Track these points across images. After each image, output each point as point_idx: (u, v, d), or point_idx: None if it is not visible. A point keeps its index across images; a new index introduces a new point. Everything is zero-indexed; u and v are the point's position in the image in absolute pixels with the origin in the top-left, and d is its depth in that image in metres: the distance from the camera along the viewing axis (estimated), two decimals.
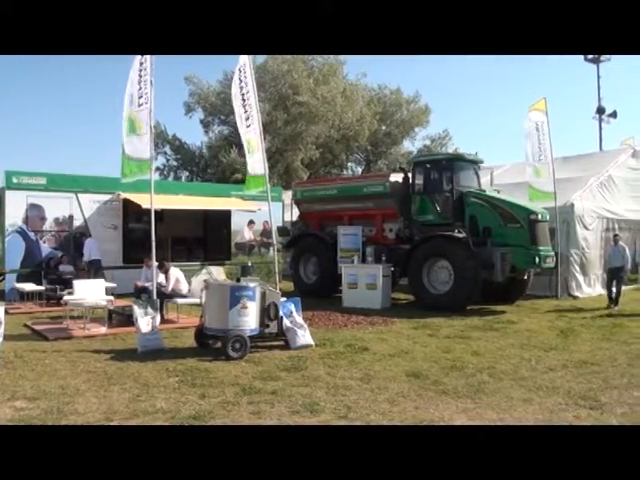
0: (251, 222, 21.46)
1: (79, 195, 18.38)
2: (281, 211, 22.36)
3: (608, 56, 41.68)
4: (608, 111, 42.74)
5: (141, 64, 11.31)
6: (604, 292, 17.54)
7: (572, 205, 18.37)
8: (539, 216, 15.60)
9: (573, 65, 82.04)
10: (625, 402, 7.33)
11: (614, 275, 16.27)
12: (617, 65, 75.56)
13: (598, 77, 42.66)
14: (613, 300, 16.04)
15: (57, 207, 18.05)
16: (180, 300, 13.54)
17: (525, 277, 16.56)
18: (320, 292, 18.01)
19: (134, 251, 18.27)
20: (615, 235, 17.13)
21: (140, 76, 11.30)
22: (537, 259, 15.18)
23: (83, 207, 18.46)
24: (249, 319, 10.01)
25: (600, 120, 42.66)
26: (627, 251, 16.45)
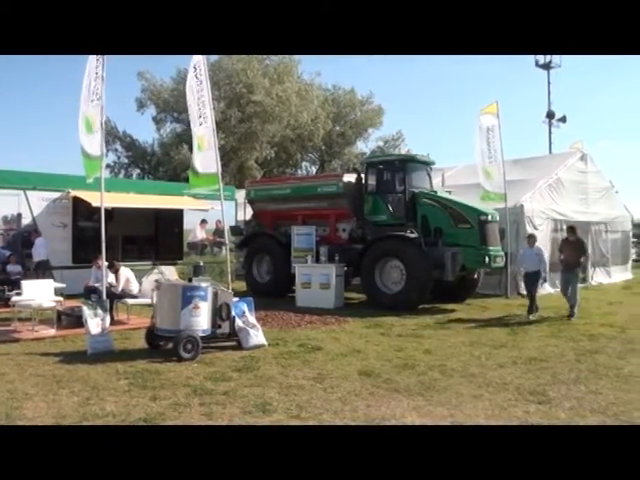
0: (203, 221, 21.20)
1: (28, 192, 17.75)
2: (234, 210, 22.17)
3: (558, 62, 42.68)
4: (558, 116, 43.66)
5: (97, 60, 11.10)
6: (553, 291, 17.93)
7: (522, 206, 18.77)
8: (489, 217, 15.94)
9: (524, 70, 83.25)
10: (573, 396, 7.52)
11: (531, 280, 14.53)
12: (567, 71, 77.10)
13: (548, 83, 43.81)
14: (535, 308, 14.53)
15: (5, 205, 17.40)
16: (131, 300, 13.34)
17: (475, 276, 16.94)
18: (274, 292, 17.94)
19: (84, 250, 17.73)
20: (530, 235, 15.38)
21: (96, 73, 11.13)
22: (487, 259, 15.51)
23: (32, 205, 17.83)
24: (201, 319, 9.94)
25: (550, 124, 43.71)
26: (544, 254, 14.97)
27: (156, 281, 11.28)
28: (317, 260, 16.80)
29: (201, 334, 9.87)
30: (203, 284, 10.17)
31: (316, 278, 16.26)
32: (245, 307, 10.97)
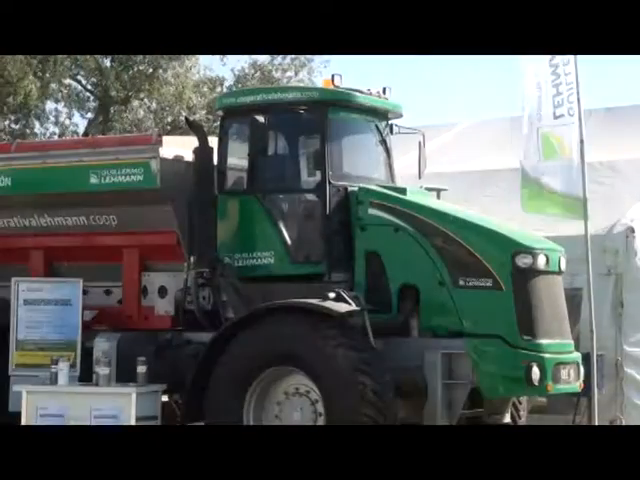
0: None
1: None
2: None
3: None
4: None
5: None
6: None
7: (630, 230, 9.40)
8: (540, 259, 7.88)
9: None
10: None
11: None
12: None
13: None
14: None
15: None
16: None
17: (506, 418, 8.48)
18: None
19: None
20: None
21: None
22: (536, 373, 7.55)
23: None
24: None
25: None
26: None
27: None
28: (86, 374, 8.22)
29: None
30: None
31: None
32: None
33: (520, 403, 8.50)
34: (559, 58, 8.57)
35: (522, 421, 8.59)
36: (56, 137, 23.71)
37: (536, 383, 7.23)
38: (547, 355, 7.36)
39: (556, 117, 8.64)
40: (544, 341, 7.43)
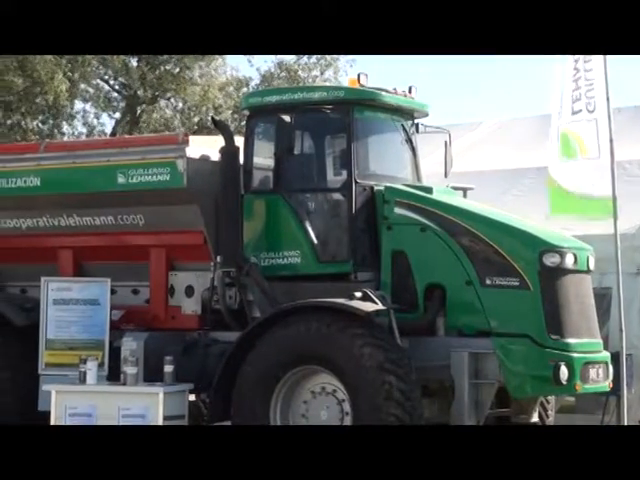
0: None
1: None
2: None
3: None
4: None
5: None
6: None
7: None
8: (568, 258, 7.81)
9: None
10: None
11: None
12: None
13: None
14: None
15: None
16: None
17: (533, 417, 8.21)
18: None
19: None
20: None
21: None
22: (562, 373, 7.44)
23: None
24: None
25: None
26: None
27: None
28: (114, 373, 8.01)
29: None
30: None
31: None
32: None
33: (548, 402, 8.39)
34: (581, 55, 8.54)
35: (550, 421, 8.51)
36: (84, 137, 23.74)
37: (564, 382, 7.15)
38: (575, 354, 7.29)
39: (574, 112, 8.55)
40: (572, 340, 7.36)
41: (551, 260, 7.41)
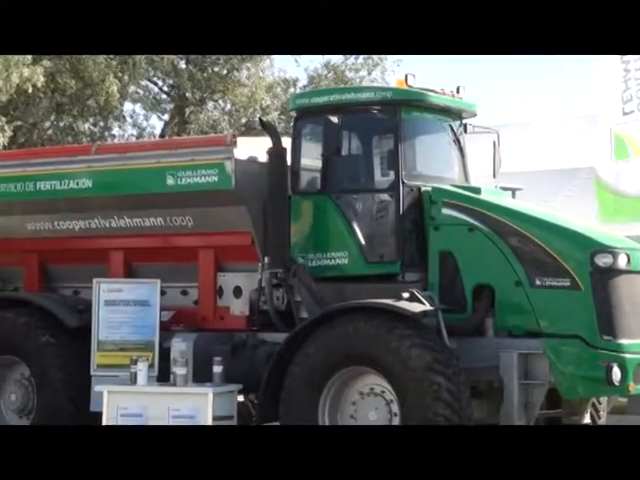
0: None
1: None
2: None
3: None
4: None
5: None
6: None
7: None
8: (621, 258, 7.64)
9: None
10: None
11: None
12: None
13: None
14: None
15: None
16: None
17: (585, 418, 8.14)
18: None
19: None
20: None
21: None
22: (615, 374, 7.27)
23: None
24: None
25: None
26: None
27: None
28: (164, 375, 7.96)
29: None
30: None
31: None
32: None
33: (600, 403, 8.23)
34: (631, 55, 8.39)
35: (602, 422, 8.36)
36: (134, 139, 24.03)
37: (617, 383, 7.02)
38: (628, 355, 7.15)
39: (625, 113, 8.45)
40: (625, 341, 7.20)
41: (603, 260, 7.28)
